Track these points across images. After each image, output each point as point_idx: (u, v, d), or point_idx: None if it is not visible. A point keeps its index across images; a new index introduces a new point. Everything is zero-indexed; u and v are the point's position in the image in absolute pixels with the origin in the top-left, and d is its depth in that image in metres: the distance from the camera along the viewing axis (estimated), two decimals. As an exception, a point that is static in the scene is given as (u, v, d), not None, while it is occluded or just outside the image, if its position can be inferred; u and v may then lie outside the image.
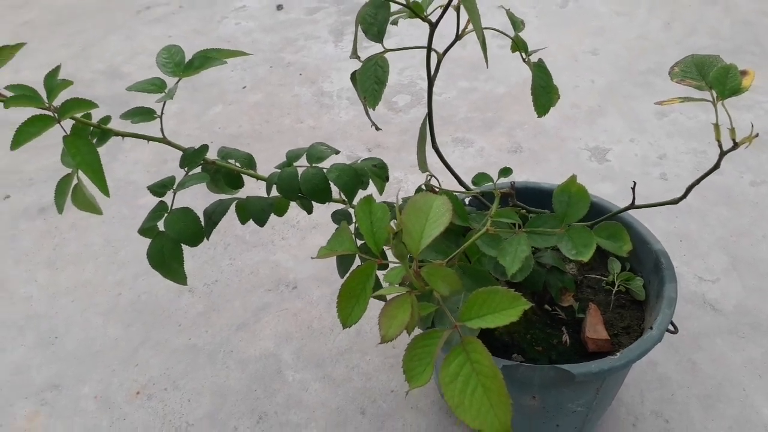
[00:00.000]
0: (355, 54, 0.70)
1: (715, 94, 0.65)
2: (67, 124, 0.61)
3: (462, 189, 0.84)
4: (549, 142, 1.58)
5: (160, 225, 0.69)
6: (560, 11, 2.19)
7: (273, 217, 0.75)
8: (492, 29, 0.72)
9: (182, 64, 0.67)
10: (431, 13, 0.69)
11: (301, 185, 0.71)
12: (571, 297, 0.85)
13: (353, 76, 0.69)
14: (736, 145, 0.65)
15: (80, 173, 0.67)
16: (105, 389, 1.08)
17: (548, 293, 0.83)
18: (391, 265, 0.59)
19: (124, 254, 1.35)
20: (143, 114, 0.67)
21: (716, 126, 0.65)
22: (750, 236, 1.26)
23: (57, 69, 0.62)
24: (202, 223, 0.71)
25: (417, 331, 0.56)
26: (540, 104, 0.74)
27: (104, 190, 0.59)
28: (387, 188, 0.77)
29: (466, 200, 0.87)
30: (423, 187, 0.78)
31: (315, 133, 1.68)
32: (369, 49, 0.68)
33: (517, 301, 0.50)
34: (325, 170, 0.71)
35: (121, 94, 1.88)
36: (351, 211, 0.76)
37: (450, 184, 0.82)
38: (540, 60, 0.74)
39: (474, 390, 0.49)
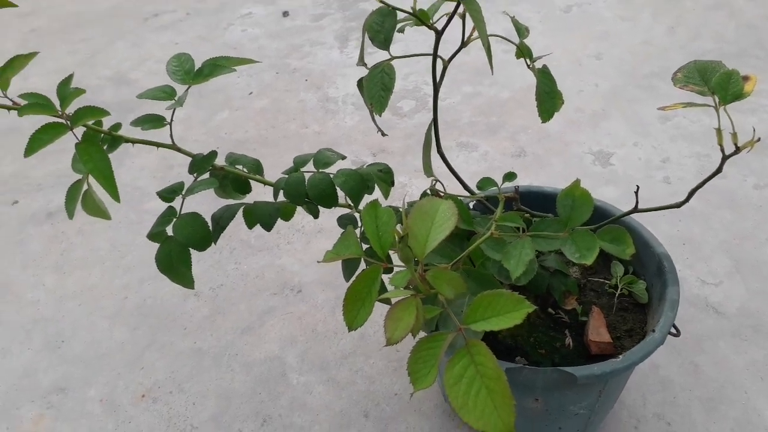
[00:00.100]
0: (361, 61, 0.71)
1: (717, 100, 0.66)
2: (78, 131, 0.62)
3: (467, 193, 0.85)
4: (553, 146, 1.59)
5: (169, 230, 0.70)
6: (564, 16, 2.20)
7: (279, 221, 0.76)
8: (497, 36, 0.73)
9: (192, 72, 0.68)
10: (437, 21, 0.70)
11: (308, 190, 0.72)
12: (574, 300, 0.86)
13: (360, 83, 0.70)
14: (738, 150, 0.65)
15: (90, 179, 0.68)
16: (111, 392, 1.09)
17: (552, 296, 0.84)
18: (396, 269, 0.60)
19: (130, 259, 1.36)
20: (153, 121, 0.68)
21: (718, 131, 0.66)
22: (753, 239, 1.27)
23: (69, 78, 0.63)
24: (210, 227, 0.72)
25: (421, 334, 0.57)
26: (544, 110, 0.75)
27: (115, 196, 0.60)
28: (392, 193, 0.78)
29: (471, 204, 0.88)
30: (428, 191, 0.79)
31: (320, 138, 1.69)
32: (375, 55, 0.69)
33: (521, 304, 0.51)
34: (331, 175, 0.72)
35: (128, 100, 1.90)
36: (357, 215, 0.77)
37: (455, 188, 0.83)
38: (544, 66, 0.75)
39: (478, 392, 0.50)
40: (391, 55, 0.68)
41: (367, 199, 0.68)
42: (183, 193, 0.70)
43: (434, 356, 0.53)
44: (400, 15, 0.68)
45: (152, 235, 0.71)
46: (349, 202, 0.75)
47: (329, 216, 0.86)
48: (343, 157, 0.76)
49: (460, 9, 0.66)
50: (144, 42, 2.27)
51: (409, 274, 0.57)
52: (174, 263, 0.70)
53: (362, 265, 0.72)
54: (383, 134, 0.77)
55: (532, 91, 0.75)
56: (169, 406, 1.06)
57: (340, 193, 0.73)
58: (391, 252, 0.61)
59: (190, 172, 0.72)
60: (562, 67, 1.89)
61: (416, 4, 0.68)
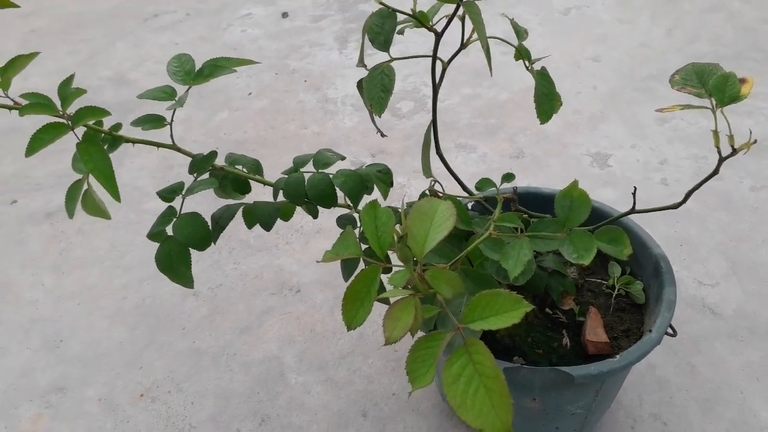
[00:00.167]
0: (361, 62, 0.71)
1: (714, 102, 0.67)
2: (79, 131, 0.62)
3: (465, 194, 0.85)
4: (551, 147, 1.60)
5: (169, 230, 0.70)
6: (563, 18, 2.21)
7: (278, 221, 0.76)
8: (496, 38, 0.73)
9: (192, 73, 0.69)
10: (437, 23, 0.70)
11: (308, 190, 0.72)
12: (571, 300, 0.86)
13: (360, 84, 0.70)
14: (734, 152, 0.66)
15: (90, 179, 0.68)
16: (109, 392, 1.09)
17: (549, 297, 0.84)
18: (395, 269, 0.60)
19: (129, 259, 1.36)
20: (154, 121, 0.68)
21: (715, 133, 0.67)
22: (750, 241, 1.27)
23: (71, 78, 0.63)
24: (210, 227, 0.72)
25: (420, 333, 0.58)
26: (543, 111, 0.75)
27: (116, 195, 0.60)
28: (391, 193, 0.79)
29: (469, 205, 0.88)
30: (427, 192, 0.79)
31: (319, 139, 1.70)
32: (374, 56, 0.70)
33: (519, 304, 0.52)
34: (331, 176, 0.73)
35: (128, 100, 1.90)
36: (356, 215, 0.78)
37: (453, 189, 0.83)
38: (543, 68, 0.75)
39: (476, 390, 0.51)
40: (390, 56, 0.69)
41: (366, 199, 0.68)
42: (183, 193, 0.71)
43: (433, 355, 0.53)
44: (400, 17, 0.68)
45: (152, 235, 0.71)
46: (349, 202, 0.75)
47: (328, 216, 0.86)
48: (343, 158, 0.76)
49: (460, 11, 0.66)
50: (144, 42, 2.27)
51: (407, 273, 0.57)
52: (174, 263, 0.70)
53: (361, 265, 0.73)
54: (382, 135, 0.77)
55: (530, 93, 0.75)
56: (168, 406, 1.06)
57: (340, 194, 0.74)
58: (390, 252, 0.61)
59: (190, 172, 0.73)
60: (560, 70, 1.90)
61: (416, 5, 0.69)
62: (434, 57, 0.71)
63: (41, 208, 1.52)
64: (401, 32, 0.71)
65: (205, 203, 0.85)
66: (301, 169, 0.74)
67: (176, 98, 0.68)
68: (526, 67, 0.75)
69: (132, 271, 1.33)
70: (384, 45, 0.67)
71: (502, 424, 0.49)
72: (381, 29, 0.66)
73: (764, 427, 0.96)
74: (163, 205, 0.71)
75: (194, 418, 1.04)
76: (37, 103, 0.60)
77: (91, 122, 0.64)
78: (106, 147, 0.67)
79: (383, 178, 0.78)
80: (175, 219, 0.69)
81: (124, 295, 1.27)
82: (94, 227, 1.44)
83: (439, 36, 0.70)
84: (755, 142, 0.65)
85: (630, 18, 2.17)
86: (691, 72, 0.69)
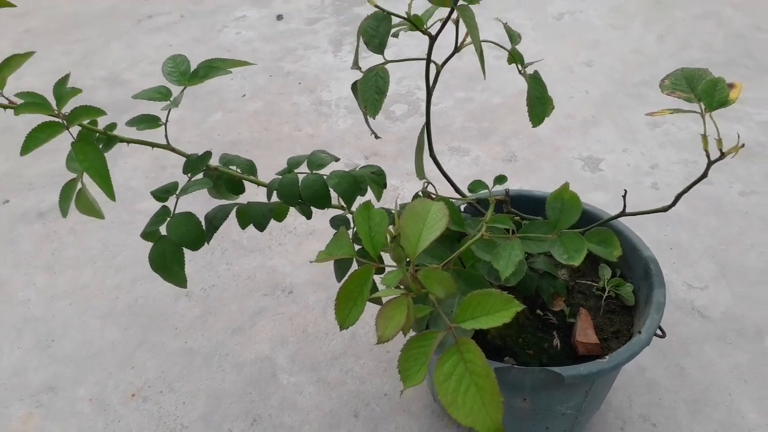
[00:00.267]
0: (356, 65, 0.72)
1: (703, 106, 0.68)
2: (74, 130, 0.63)
3: (458, 196, 0.86)
4: (543, 151, 1.61)
5: (162, 229, 0.70)
6: (556, 23, 2.22)
7: (271, 222, 0.76)
8: (489, 42, 0.74)
9: (187, 74, 0.69)
10: (431, 26, 0.71)
11: (302, 191, 0.73)
12: (562, 302, 0.87)
13: (354, 86, 0.71)
14: (723, 155, 0.67)
15: (84, 178, 0.68)
16: (101, 391, 1.09)
17: (540, 298, 0.85)
18: (387, 269, 0.61)
19: (122, 259, 1.36)
20: (149, 121, 0.69)
21: (704, 137, 0.68)
22: (739, 245, 1.29)
23: (66, 77, 0.63)
24: (203, 227, 0.72)
25: (412, 333, 0.58)
26: (535, 114, 0.76)
27: (110, 194, 0.60)
28: (384, 195, 0.79)
29: (462, 207, 0.89)
30: (420, 193, 0.80)
31: (313, 141, 1.70)
32: (369, 59, 0.70)
33: (510, 303, 0.52)
34: (324, 177, 0.73)
35: (122, 101, 1.90)
36: (349, 216, 0.78)
37: (446, 191, 0.84)
38: (536, 72, 0.76)
39: (467, 389, 0.51)
40: (385, 59, 0.70)
41: (359, 201, 0.69)
42: (177, 192, 0.71)
43: (425, 354, 0.54)
44: (395, 20, 0.69)
45: (146, 234, 0.71)
46: (342, 203, 0.76)
47: (321, 218, 0.87)
48: (337, 159, 0.77)
49: (454, 15, 0.67)
50: (138, 43, 2.27)
51: (400, 273, 0.58)
52: (167, 262, 0.71)
53: (354, 266, 0.73)
54: (376, 137, 0.78)
55: (523, 97, 0.76)
56: (159, 406, 1.06)
57: (333, 195, 0.74)
58: (383, 253, 0.61)
59: (185, 172, 0.73)
60: (553, 74, 1.91)
61: (411, 9, 0.69)
62: (428, 60, 0.72)
63: (33, 207, 1.52)
64: (396, 35, 0.72)
65: (199, 204, 0.86)
66: (295, 170, 0.75)
67: (171, 99, 0.68)
68: (519, 71, 0.76)
69: (124, 271, 1.33)
70: (379, 47, 0.67)
71: (493, 422, 0.50)
72: (376, 32, 0.67)
73: (752, 428, 0.97)
74: (156, 206, 0.72)
75: (186, 417, 1.04)
76: (32, 102, 0.60)
77: (86, 122, 0.64)
78: (100, 146, 0.68)
79: (377, 179, 0.79)
80: (168, 219, 0.70)
81: (116, 295, 1.27)
82: (87, 227, 1.44)
83: (433, 39, 0.70)
84: (743, 146, 0.66)
85: (623, 24, 2.19)
86: (681, 77, 0.70)
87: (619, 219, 0.83)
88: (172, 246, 0.70)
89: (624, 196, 0.77)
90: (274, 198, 0.75)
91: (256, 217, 0.75)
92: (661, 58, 1.97)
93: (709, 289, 1.20)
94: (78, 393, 1.09)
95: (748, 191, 1.42)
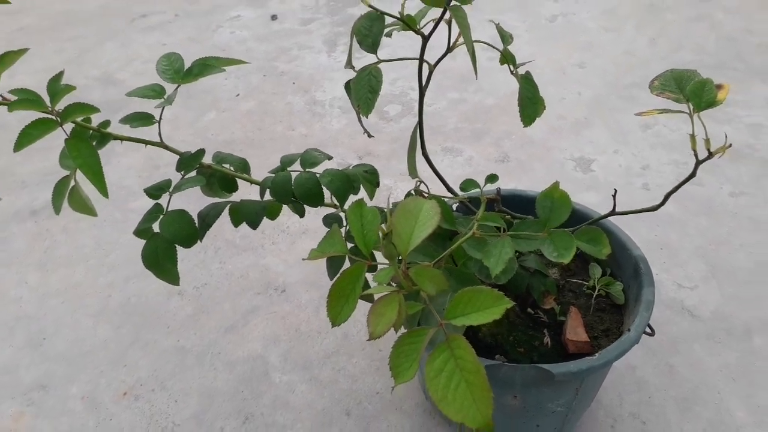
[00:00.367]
0: (349, 64, 0.72)
1: (691, 107, 0.69)
2: (67, 127, 0.63)
3: (450, 195, 0.86)
4: (536, 152, 1.62)
5: (155, 227, 0.71)
6: (549, 26, 2.24)
7: (263, 222, 0.77)
8: (482, 42, 0.75)
9: (181, 71, 0.69)
10: (424, 26, 0.71)
11: (295, 189, 0.73)
12: (553, 300, 0.88)
13: (347, 85, 0.72)
14: (710, 155, 0.68)
15: (77, 175, 0.69)
16: (93, 390, 1.09)
17: (531, 296, 0.86)
18: (380, 267, 0.61)
19: (114, 257, 1.36)
20: (142, 119, 0.69)
21: (692, 137, 0.69)
22: (728, 245, 1.30)
23: (60, 75, 0.64)
24: (196, 225, 0.72)
25: (403, 330, 0.59)
26: (526, 115, 0.77)
27: (104, 191, 0.61)
28: (377, 194, 0.80)
29: (454, 206, 0.89)
30: (412, 192, 0.81)
31: (307, 141, 1.70)
32: (362, 59, 0.71)
33: (500, 300, 0.53)
34: (317, 175, 0.74)
35: (115, 99, 1.90)
36: (342, 215, 0.79)
37: (439, 191, 0.84)
38: (527, 72, 0.77)
39: (457, 385, 0.52)
40: (378, 58, 0.70)
41: (352, 199, 0.69)
42: (170, 190, 0.71)
43: (416, 350, 0.54)
44: (388, 20, 0.70)
45: (139, 231, 0.72)
46: (335, 201, 0.76)
47: (314, 217, 0.87)
48: (330, 158, 0.77)
49: (447, 15, 0.68)
50: (132, 42, 2.27)
51: (392, 270, 0.58)
52: (160, 259, 0.71)
53: (347, 264, 0.74)
54: (369, 135, 0.78)
55: (516, 98, 0.77)
56: (151, 404, 1.06)
57: (326, 193, 0.75)
58: (375, 251, 0.62)
59: (178, 169, 0.73)
60: (546, 76, 1.93)
61: (404, 9, 0.70)
62: (421, 59, 0.72)
63: (26, 205, 1.52)
64: (389, 35, 0.72)
65: (192, 202, 0.86)
66: (288, 169, 0.75)
67: (165, 96, 0.68)
68: (511, 71, 0.76)
69: (117, 270, 1.33)
70: (372, 47, 0.68)
71: (483, 418, 0.50)
72: (369, 31, 0.68)
73: (740, 426, 0.98)
74: (149, 204, 0.72)
75: (178, 416, 1.04)
76: (26, 99, 0.60)
77: (79, 119, 0.64)
78: (94, 143, 0.68)
79: (370, 178, 0.79)
80: (161, 216, 0.70)
81: (109, 294, 1.27)
82: (79, 225, 1.44)
83: (426, 39, 0.71)
84: (730, 146, 0.67)
85: (615, 27, 2.20)
86: (670, 78, 0.71)
87: (610, 219, 0.84)
88: (164, 243, 0.70)
89: (614, 196, 0.78)
90: (267, 196, 0.75)
91: (248, 215, 0.76)
92: (653, 61, 1.98)
93: (699, 288, 1.21)
94: (70, 391, 1.09)
95: (738, 192, 1.44)
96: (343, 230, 0.77)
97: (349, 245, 0.68)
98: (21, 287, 1.30)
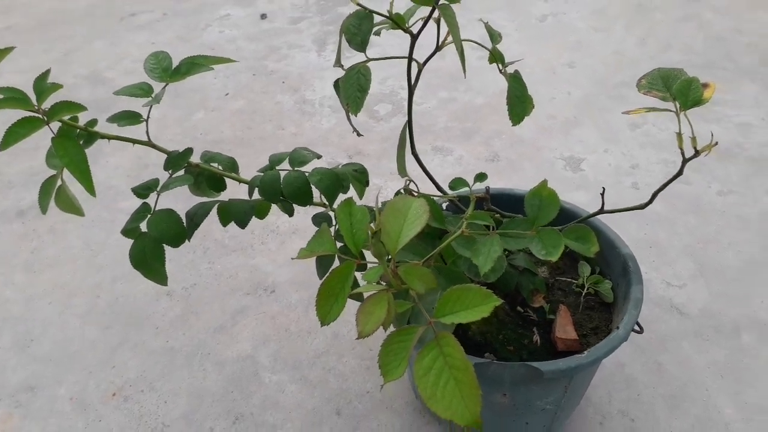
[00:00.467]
0: (338, 63, 0.72)
1: (678, 105, 0.69)
2: (54, 126, 0.62)
3: (440, 194, 0.86)
4: (525, 151, 1.62)
5: (143, 226, 0.70)
6: (539, 25, 2.24)
7: (253, 222, 0.76)
8: (471, 41, 0.75)
9: (169, 70, 0.69)
10: (413, 24, 0.71)
11: (284, 188, 0.73)
12: (542, 298, 0.88)
13: (336, 84, 0.71)
14: (697, 153, 0.68)
15: (65, 175, 0.68)
16: (81, 391, 1.08)
17: (520, 295, 0.86)
18: (369, 266, 0.61)
19: (102, 257, 1.35)
20: (130, 117, 0.68)
21: (679, 135, 0.69)
22: (716, 243, 1.31)
23: (47, 73, 0.63)
24: (184, 224, 0.72)
25: (393, 329, 0.59)
26: (515, 113, 0.77)
27: (91, 190, 0.60)
28: (366, 193, 0.80)
29: (444, 205, 0.89)
30: (402, 190, 0.80)
31: (296, 140, 1.70)
32: (352, 58, 0.71)
33: (489, 298, 0.53)
34: (306, 174, 0.74)
35: (103, 98, 1.89)
36: (331, 214, 0.78)
37: (428, 190, 0.84)
38: (516, 71, 0.77)
39: (446, 383, 0.52)
40: (367, 56, 0.70)
41: (341, 198, 0.69)
42: (158, 189, 0.71)
43: (405, 349, 0.54)
44: (377, 18, 0.69)
45: (126, 231, 0.71)
46: (324, 200, 0.76)
47: (303, 217, 0.87)
48: (319, 156, 0.77)
49: (435, 14, 0.68)
50: (120, 41, 2.26)
51: (381, 269, 0.58)
52: (148, 259, 0.70)
53: (336, 263, 0.74)
54: (359, 134, 0.78)
55: (505, 97, 0.77)
56: (140, 405, 1.05)
57: (315, 192, 0.75)
58: (364, 250, 0.62)
59: (166, 168, 0.73)
60: (536, 75, 1.93)
61: (393, 7, 0.70)
62: (410, 58, 0.72)
63: (12, 206, 1.50)
64: (378, 33, 0.72)
65: (180, 201, 0.85)
66: (277, 167, 0.75)
67: (153, 95, 0.68)
68: (500, 70, 0.76)
69: (105, 270, 1.32)
70: (361, 45, 0.68)
71: (471, 415, 0.50)
72: (358, 30, 0.68)
73: (728, 422, 0.99)
74: (137, 204, 0.71)
75: (167, 416, 1.03)
76: (11, 97, 0.60)
77: (66, 117, 0.64)
78: (81, 142, 0.67)
79: (359, 177, 0.79)
80: (149, 215, 0.69)
81: (97, 294, 1.26)
82: (67, 226, 1.42)
83: (414, 37, 0.71)
84: (716, 144, 0.68)
85: (605, 27, 2.21)
86: (657, 77, 0.72)
87: (599, 218, 0.84)
88: (152, 243, 0.70)
89: (602, 194, 0.78)
90: (256, 195, 0.75)
91: (237, 215, 0.75)
92: (642, 60, 1.99)
93: (687, 286, 1.22)
94: (58, 392, 1.08)
95: (726, 191, 1.45)
96: (332, 229, 0.77)
97: (339, 244, 0.68)
98: (7, 288, 1.29)
